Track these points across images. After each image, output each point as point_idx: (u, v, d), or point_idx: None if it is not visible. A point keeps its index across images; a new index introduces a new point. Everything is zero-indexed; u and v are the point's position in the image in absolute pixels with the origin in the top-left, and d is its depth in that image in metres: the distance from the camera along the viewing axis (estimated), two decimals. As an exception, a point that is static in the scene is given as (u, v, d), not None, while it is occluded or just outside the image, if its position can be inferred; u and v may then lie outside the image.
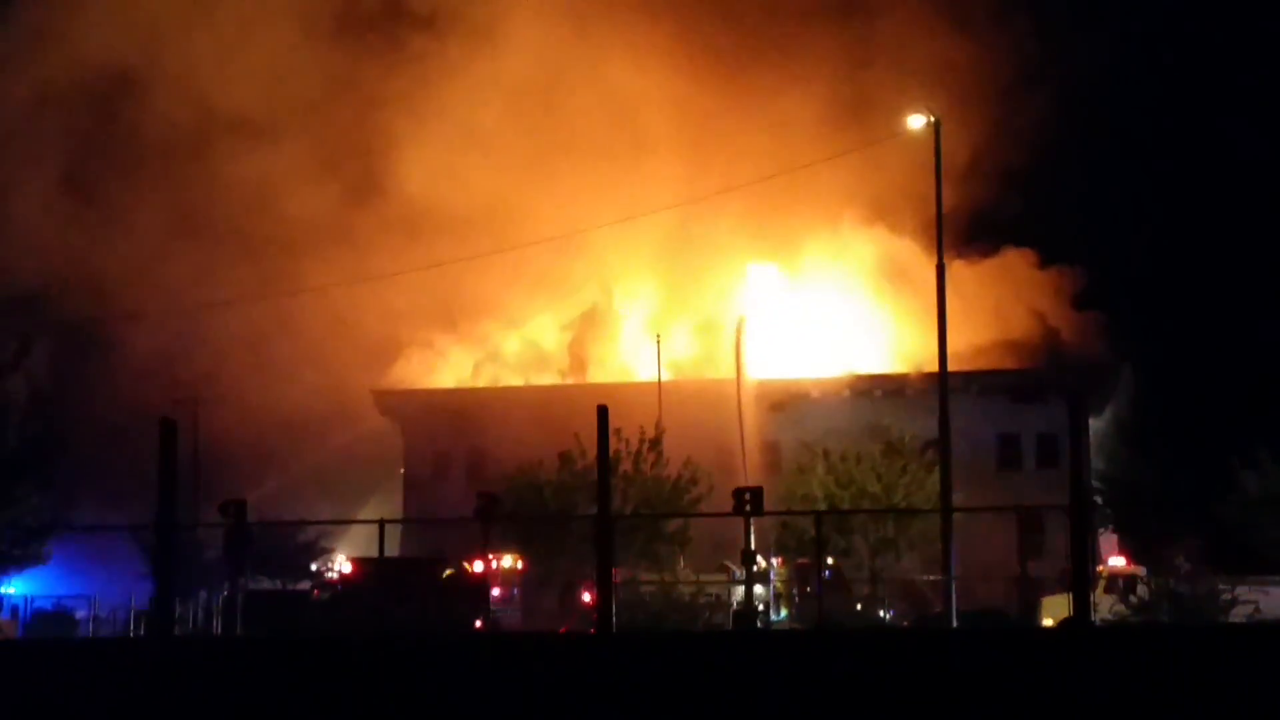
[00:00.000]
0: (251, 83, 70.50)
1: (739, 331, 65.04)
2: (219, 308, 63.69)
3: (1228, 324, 74.20)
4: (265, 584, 49.02)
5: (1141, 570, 42.64)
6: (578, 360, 73.25)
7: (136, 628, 43.40)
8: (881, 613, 43.28)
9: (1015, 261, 71.71)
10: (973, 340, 65.68)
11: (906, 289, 70.35)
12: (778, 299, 70.64)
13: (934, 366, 46.38)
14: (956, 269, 63.20)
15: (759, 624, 38.69)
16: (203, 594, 47.34)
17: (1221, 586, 37.75)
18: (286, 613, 40.53)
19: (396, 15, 74.19)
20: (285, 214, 69.28)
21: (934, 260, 45.60)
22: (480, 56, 72.84)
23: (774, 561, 45.55)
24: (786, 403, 66.46)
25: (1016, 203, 69.81)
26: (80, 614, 45.47)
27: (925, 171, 45.14)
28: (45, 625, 43.41)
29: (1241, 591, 37.46)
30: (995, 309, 68.72)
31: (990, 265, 70.19)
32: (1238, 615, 36.70)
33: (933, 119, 45.19)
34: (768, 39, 73.88)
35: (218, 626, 44.09)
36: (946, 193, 45.60)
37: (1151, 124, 77.25)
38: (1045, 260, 71.98)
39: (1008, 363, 68.87)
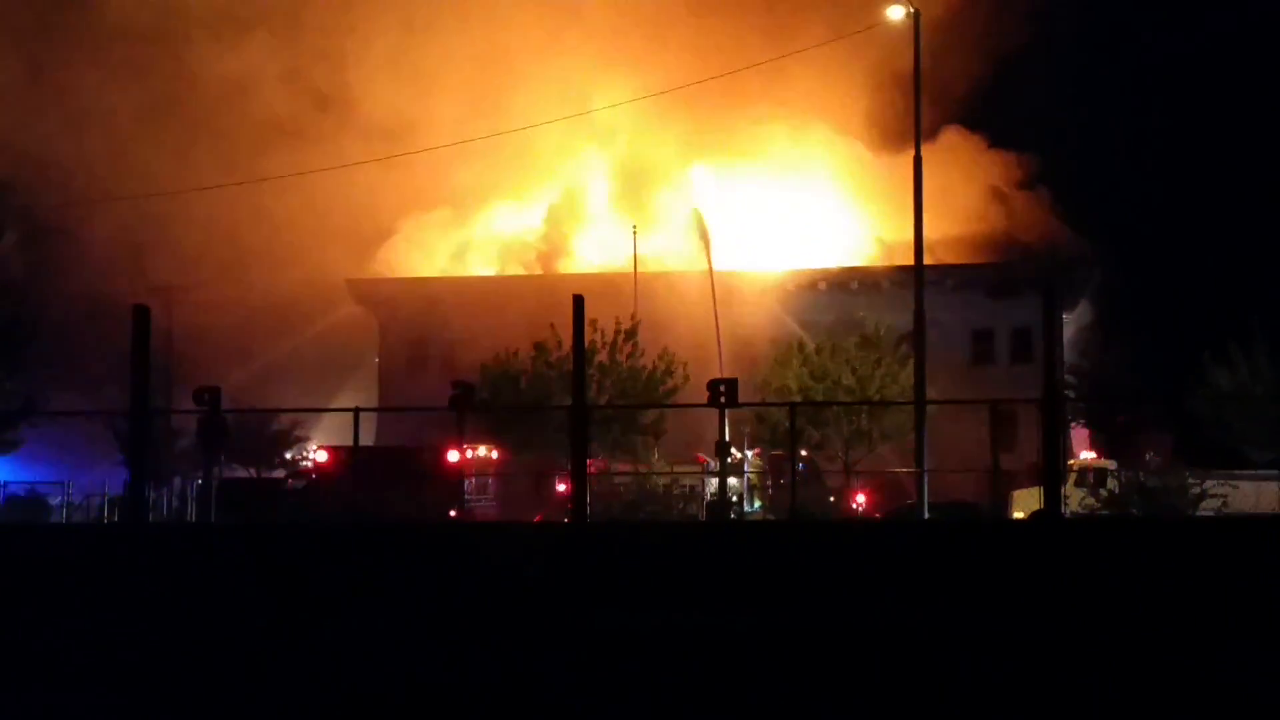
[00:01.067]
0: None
1: (699, 222, 64.98)
2: (189, 196, 63.04)
3: (1199, 219, 74.31)
4: (240, 472, 49.07)
5: (1112, 464, 42.96)
6: (552, 250, 73.08)
7: (110, 514, 43.46)
8: (854, 505, 43.57)
9: (958, 143, 71.38)
10: (941, 230, 65.68)
11: (865, 180, 70.45)
12: (738, 193, 70.53)
13: (906, 259, 46.39)
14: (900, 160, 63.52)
15: (732, 515, 38.93)
16: (177, 481, 47.37)
17: (1191, 480, 38.04)
18: (261, 501, 40.59)
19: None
20: (256, 107, 68.66)
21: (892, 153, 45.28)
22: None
23: (748, 453, 45.75)
24: (762, 296, 66.54)
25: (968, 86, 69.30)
26: (54, 500, 45.47)
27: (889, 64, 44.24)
28: (18, 510, 43.43)
29: (1211, 485, 37.77)
30: (944, 192, 68.56)
31: (936, 148, 69.70)
32: (1206, 509, 37.05)
33: (912, 10, 44.68)
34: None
35: (192, 514, 44.16)
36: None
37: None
38: (993, 143, 71.94)
39: (976, 256, 69.02)
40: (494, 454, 44.09)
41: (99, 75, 68.67)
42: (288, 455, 52.82)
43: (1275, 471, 37.44)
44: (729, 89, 65.48)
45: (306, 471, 45.00)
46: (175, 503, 46.97)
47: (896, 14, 45.46)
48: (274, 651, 20.35)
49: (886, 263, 66.33)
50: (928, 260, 46.62)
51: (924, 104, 44.34)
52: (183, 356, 53.70)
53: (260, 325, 63.83)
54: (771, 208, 71.13)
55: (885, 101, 66.91)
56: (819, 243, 71.04)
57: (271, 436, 53.00)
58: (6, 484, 45.21)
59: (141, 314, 26.34)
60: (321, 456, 43.58)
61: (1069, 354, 61.43)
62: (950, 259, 66.99)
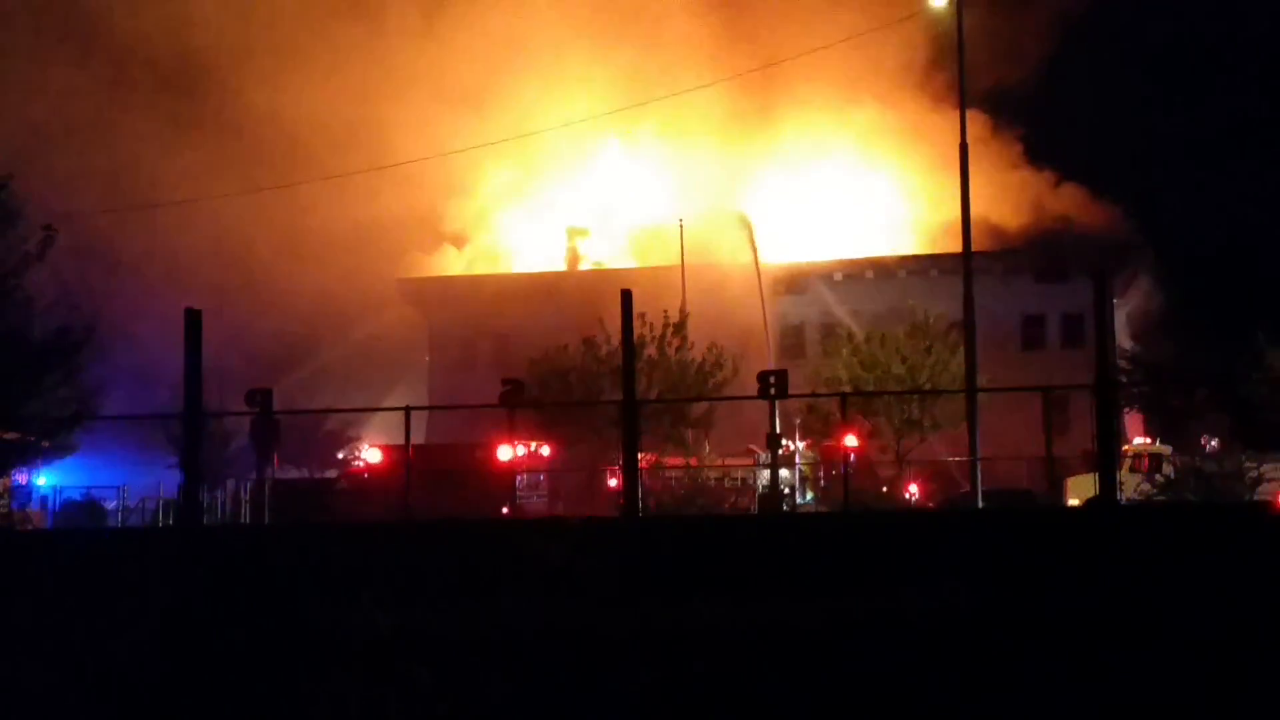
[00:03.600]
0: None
1: (745, 224, 64.96)
2: (236, 201, 63.52)
3: (1249, 202, 73.50)
4: (292, 473, 49.32)
5: (1167, 449, 42.54)
6: (599, 245, 73.19)
7: (165, 517, 43.77)
8: (907, 494, 43.35)
9: (1001, 133, 71.12)
10: (989, 215, 65.38)
11: (912, 167, 70.17)
12: (784, 183, 70.33)
13: (955, 246, 46.13)
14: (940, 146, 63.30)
15: (785, 507, 38.81)
16: (231, 483, 47.65)
17: (1247, 464, 37.60)
18: (314, 501, 40.80)
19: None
20: (299, 114, 69.22)
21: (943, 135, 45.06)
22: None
23: (799, 444, 45.62)
24: (810, 286, 66.36)
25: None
26: (109, 504, 45.84)
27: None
28: (74, 515, 43.80)
29: (1267, 469, 37.31)
30: (989, 181, 68.23)
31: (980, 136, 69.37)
32: (1265, 493, 36.61)
33: (956, -5, 44.44)
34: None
35: (246, 515, 44.42)
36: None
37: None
38: (1030, 137, 71.51)
39: (1025, 242, 68.61)
40: (545, 450, 44.15)
41: (139, 86, 69.36)
42: (340, 455, 53.03)
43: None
44: (771, 79, 65.41)
45: (359, 471, 45.17)
46: (229, 505, 47.27)
47: (939, 1, 45.31)
48: (329, 650, 20.43)
49: (934, 249, 65.99)
50: (976, 247, 46.42)
51: (969, 94, 44.12)
52: (237, 358, 54.02)
53: (312, 327, 64.21)
54: (818, 196, 70.89)
55: (930, 87, 66.70)
56: (866, 231, 70.76)
57: (324, 437, 53.25)
58: (62, 489, 45.62)
59: (194, 317, 26.56)
60: (374, 456, 43.75)
61: (1121, 338, 60.93)
62: (999, 245, 66.56)
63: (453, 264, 73.60)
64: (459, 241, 73.78)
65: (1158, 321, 60.83)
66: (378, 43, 72.74)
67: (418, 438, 41.40)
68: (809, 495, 43.67)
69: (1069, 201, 71.72)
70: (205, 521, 34.90)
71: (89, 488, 46.65)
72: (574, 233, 73.48)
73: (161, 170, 65.73)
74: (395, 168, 64.07)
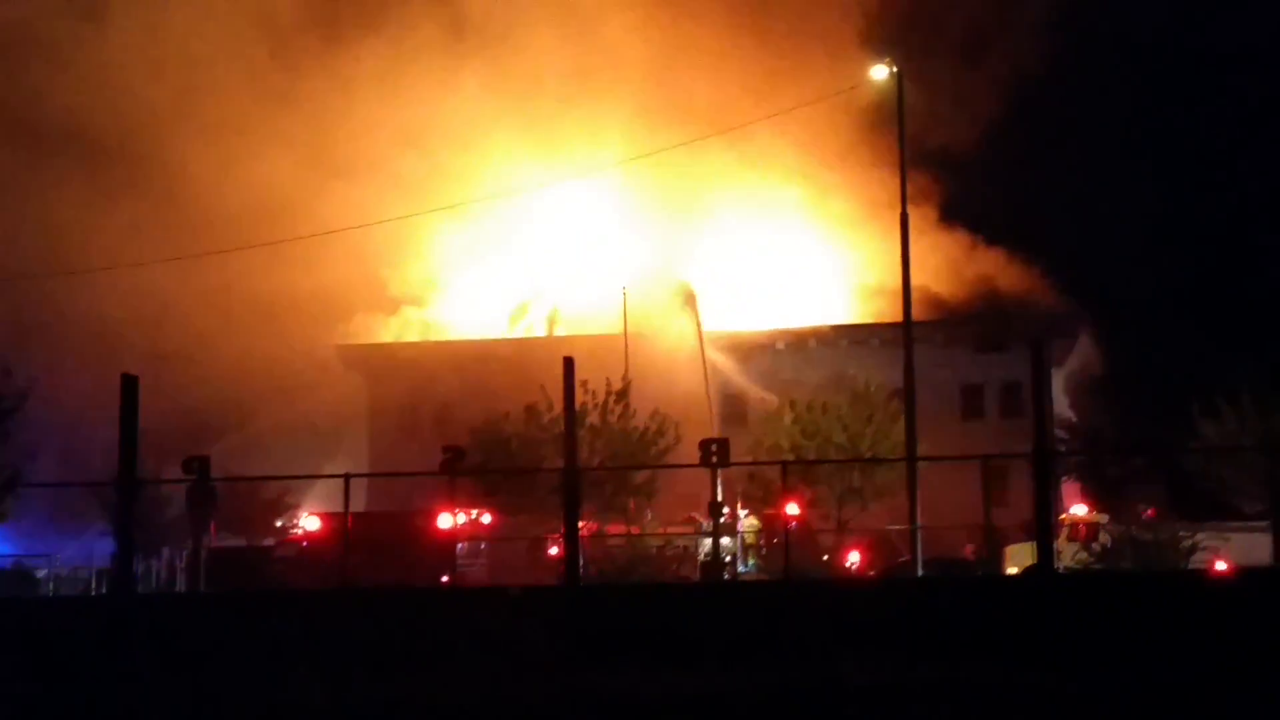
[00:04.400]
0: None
1: (688, 295, 65.37)
2: (174, 266, 63.27)
3: (1183, 273, 74.68)
4: (230, 541, 48.78)
5: (1104, 518, 42.87)
6: (541, 313, 73.31)
7: (98, 586, 43.14)
8: (848, 563, 43.42)
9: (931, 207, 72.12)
10: (928, 286, 66.19)
11: (859, 236, 71.08)
12: (727, 252, 70.92)
13: (896, 315, 46.56)
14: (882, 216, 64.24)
15: (726, 575, 38.75)
16: (166, 551, 47.09)
17: (1182, 533, 37.98)
18: (251, 569, 40.34)
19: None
20: (240, 181, 69.17)
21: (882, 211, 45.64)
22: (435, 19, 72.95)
23: (742, 513, 45.62)
24: (752, 354, 66.68)
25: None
26: (41, 572, 45.15)
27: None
28: (5, 584, 43.10)
29: (1202, 538, 37.70)
30: (931, 251, 69.14)
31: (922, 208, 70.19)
32: (1199, 561, 36.96)
33: (895, 69, 45.13)
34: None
35: (182, 584, 43.86)
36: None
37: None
38: (944, 216, 72.49)
39: (964, 313, 69.40)
40: (486, 518, 43.92)
41: (69, 152, 69.20)
42: (278, 523, 52.53)
43: (1265, 523, 37.44)
44: (714, 148, 65.98)
45: (298, 539, 44.71)
46: (165, 573, 46.68)
47: (880, 73, 46.01)
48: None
49: (875, 318, 66.55)
50: (917, 316, 46.83)
51: (908, 167, 44.74)
52: (172, 425, 53.59)
53: (251, 394, 63.77)
54: (760, 266, 71.40)
55: (870, 161, 67.47)
56: (808, 300, 71.27)
57: (262, 504, 52.75)
58: (-9, 558, 44.95)
59: (130, 383, 26.35)
60: (313, 524, 43.34)
61: (1058, 408, 61.47)
62: (940, 315, 67.24)
63: (394, 331, 73.45)
64: (400, 309, 73.66)
65: (1095, 391, 61.45)
66: (319, 114, 72.79)
67: (358, 505, 40.96)
68: (750, 563, 43.64)
69: (1009, 271, 72.55)
70: (140, 590, 34.45)
71: (19, 555, 45.97)
72: (520, 309, 73.64)
73: (94, 237, 65.39)
74: (336, 234, 63.95)
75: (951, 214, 72.59)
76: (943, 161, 69.95)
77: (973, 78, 71.19)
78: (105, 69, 70.16)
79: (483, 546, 43.15)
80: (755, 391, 61.48)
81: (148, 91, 70.86)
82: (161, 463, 35.44)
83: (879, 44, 48.07)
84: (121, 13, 72.49)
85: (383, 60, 73.26)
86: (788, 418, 48.53)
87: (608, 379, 48.18)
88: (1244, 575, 30.00)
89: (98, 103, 69.74)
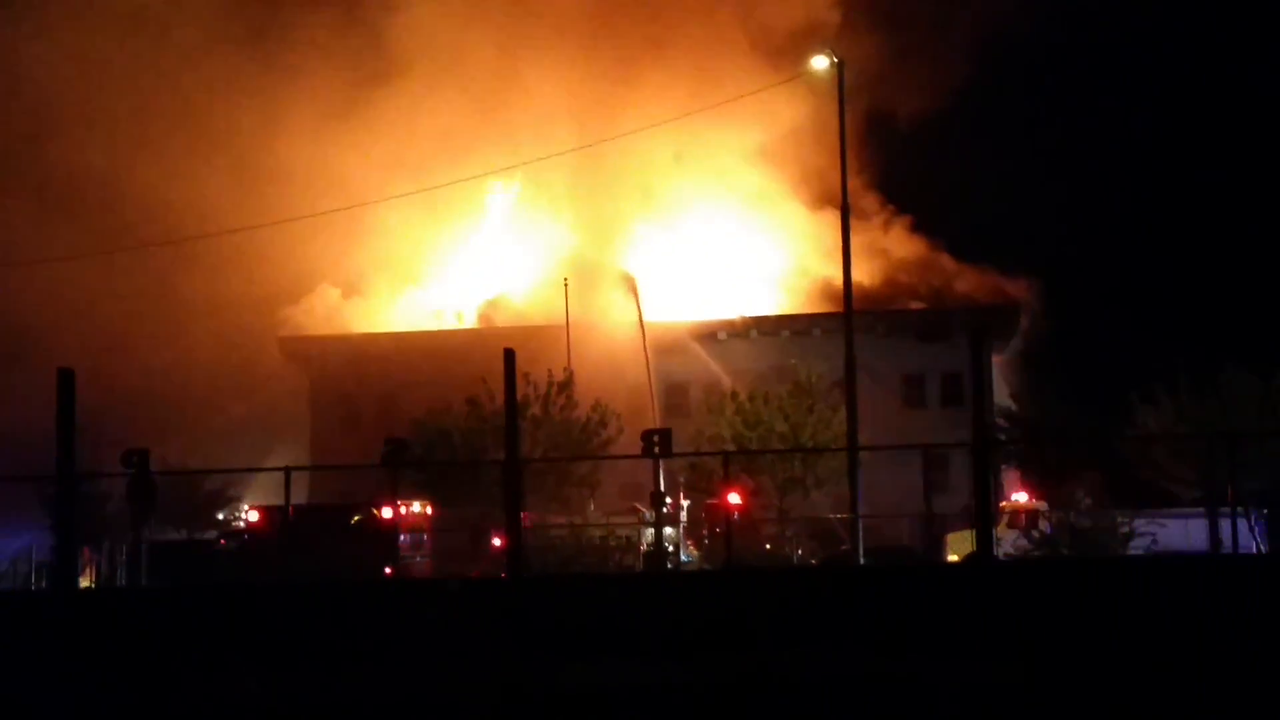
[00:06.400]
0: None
1: (629, 283, 65.46)
2: (113, 258, 62.79)
3: (1122, 262, 75.47)
4: (171, 534, 48.44)
5: (1043, 505, 43.27)
6: (483, 304, 73.17)
7: (38, 580, 42.77)
8: (790, 551, 43.64)
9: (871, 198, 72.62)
10: (870, 276, 66.70)
11: (796, 228, 71.52)
12: (669, 243, 71.06)
13: (837, 305, 46.83)
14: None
15: (669, 565, 38.87)
16: (106, 545, 46.68)
17: (1120, 520, 38.41)
18: (192, 563, 40.09)
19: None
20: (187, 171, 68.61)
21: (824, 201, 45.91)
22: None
23: (684, 503, 45.75)
24: (694, 345, 66.83)
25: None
26: (-20, 568, 44.73)
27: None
28: (-57, 580, 42.69)
29: (1140, 524, 38.16)
30: (871, 241, 69.67)
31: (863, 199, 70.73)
32: (1136, 547, 37.41)
33: (836, 60, 45.32)
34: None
35: (122, 578, 43.54)
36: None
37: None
38: (886, 206, 72.98)
39: (905, 303, 69.88)
40: (428, 510, 43.83)
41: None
42: (219, 516, 52.18)
43: (1201, 509, 37.93)
44: (656, 138, 65.99)
45: (238, 532, 44.46)
46: (105, 567, 46.28)
47: (820, 63, 46.17)
48: (199, 715, 20.10)
49: (817, 309, 66.89)
50: (858, 307, 47.09)
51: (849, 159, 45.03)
52: (110, 420, 53.11)
53: (190, 386, 63.30)
54: (702, 256, 71.56)
55: (812, 151, 67.77)
56: (749, 291, 71.51)
57: (202, 498, 52.37)
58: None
59: (66, 377, 26.14)
60: (253, 516, 43.12)
61: (998, 396, 61.99)
62: (880, 306, 67.71)
63: (335, 323, 73.04)
64: (341, 300, 73.28)
65: (1034, 380, 61.95)
66: (253, 109, 72.26)
67: (300, 497, 40.94)
68: (692, 553, 43.78)
69: (949, 260, 73.17)
70: (80, 584, 34.18)
71: (-44, 552, 45.52)
72: (462, 303, 73.46)
73: (17, 233, 64.67)
74: (276, 227, 63.55)
75: (892, 204, 73.17)
76: (887, 151, 70.47)
77: (913, 64, 71.58)
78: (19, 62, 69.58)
79: (425, 538, 43.06)
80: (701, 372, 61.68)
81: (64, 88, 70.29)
82: (102, 457, 35.16)
83: (823, 34, 48.16)
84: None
85: (317, 51, 72.89)
86: (729, 408, 48.69)
87: (549, 370, 48.19)
88: (1182, 562, 30.43)
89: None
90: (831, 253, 57.99)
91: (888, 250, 71.85)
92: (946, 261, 72.83)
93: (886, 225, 72.45)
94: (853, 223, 45.02)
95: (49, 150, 68.71)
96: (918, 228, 73.33)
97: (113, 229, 65.54)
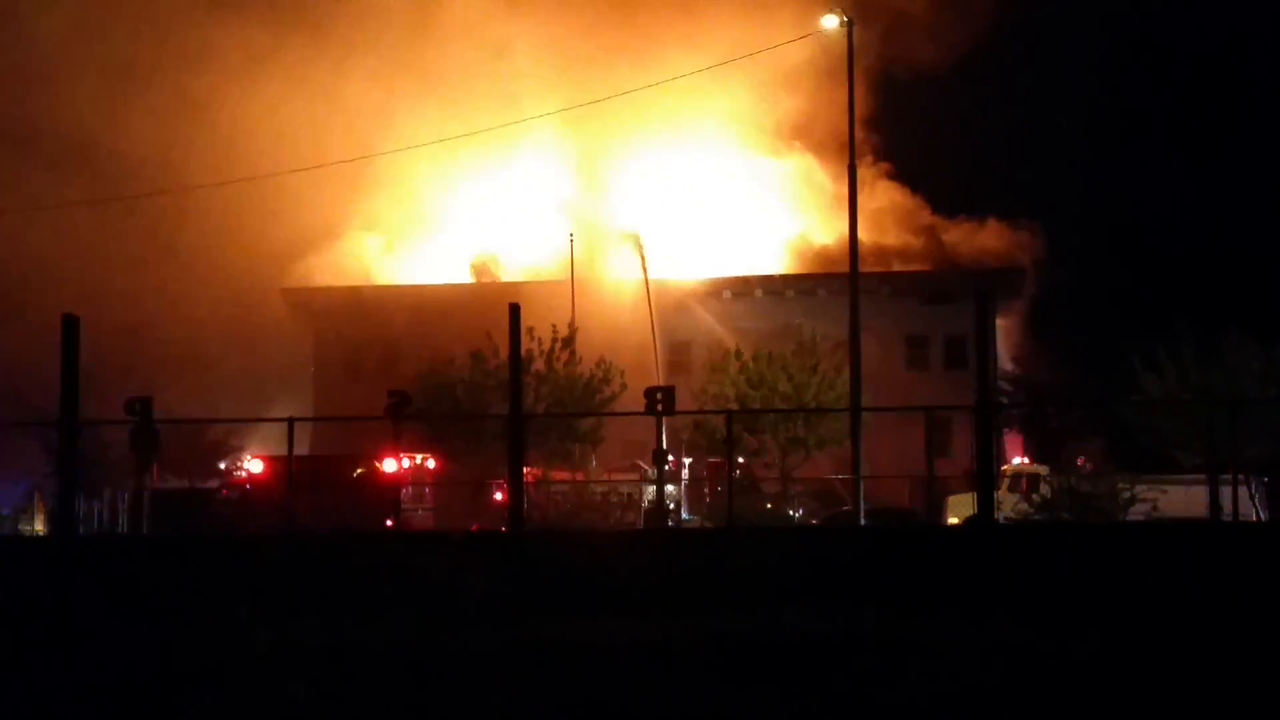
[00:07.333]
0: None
1: (636, 245, 65.42)
2: (120, 205, 62.66)
3: (1129, 226, 75.30)
4: (173, 483, 48.57)
5: (1044, 469, 43.34)
6: (488, 258, 73.05)
7: (41, 526, 42.92)
8: (791, 511, 43.74)
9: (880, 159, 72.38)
10: (875, 237, 66.50)
11: (802, 187, 71.34)
12: (674, 199, 70.92)
13: (843, 266, 46.75)
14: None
15: (670, 523, 38.96)
16: (108, 493, 46.82)
17: (1121, 485, 38.44)
18: (194, 512, 40.21)
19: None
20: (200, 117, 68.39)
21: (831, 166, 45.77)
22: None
23: (686, 460, 45.82)
24: (698, 303, 66.81)
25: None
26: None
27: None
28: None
29: (1141, 490, 38.18)
30: (877, 201, 69.38)
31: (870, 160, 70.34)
32: (1137, 513, 37.47)
33: (846, 19, 45.09)
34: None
35: (124, 525, 43.69)
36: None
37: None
38: (893, 168, 72.68)
39: (911, 264, 69.75)
40: (430, 463, 43.91)
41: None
42: (222, 465, 52.31)
43: (1202, 475, 37.95)
44: (662, 96, 65.77)
45: (241, 482, 44.60)
46: (107, 515, 46.43)
47: (830, 23, 45.94)
48: (206, 667, 20.16)
49: (823, 269, 66.82)
50: (863, 268, 47.00)
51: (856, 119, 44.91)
52: (115, 367, 53.21)
53: (194, 336, 63.30)
54: (708, 214, 71.42)
55: (819, 108, 67.49)
56: (755, 249, 71.42)
57: (206, 447, 52.51)
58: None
59: (71, 323, 26.15)
60: (256, 467, 43.19)
61: (1002, 360, 61.99)
62: (884, 266, 67.60)
63: (339, 274, 72.96)
64: (345, 252, 73.16)
65: (1038, 344, 62.05)
66: (258, 57, 71.89)
67: (302, 449, 41.03)
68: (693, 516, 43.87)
69: (955, 224, 72.96)
70: (82, 532, 34.30)
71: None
72: (481, 261, 73.33)
73: (21, 181, 64.50)
74: (282, 177, 63.41)
75: (900, 165, 72.90)
76: (896, 109, 70.11)
77: (921, 27, 71.14)
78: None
79: (427, 492, 43.18)
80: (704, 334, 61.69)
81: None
82: (105, 405, 35.23)
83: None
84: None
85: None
86: (733, 367, 48.70)
87: (554, 326, 48.17)
88: (1181, 528, 30.51)
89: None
90: (838, 213, 57.69)
91: (894, 211, 71.62)
92: (952, 223, 72.67)
93: (895, 186, 72.20)
94: (860, 184, 44.87)
95: (48, 102, 68.48)
96: (924, 189, 73.13)
97: (114, 178, 65.41)
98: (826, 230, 69.36)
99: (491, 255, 72.93)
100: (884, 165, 72.16)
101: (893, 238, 69.22)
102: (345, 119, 69.95)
